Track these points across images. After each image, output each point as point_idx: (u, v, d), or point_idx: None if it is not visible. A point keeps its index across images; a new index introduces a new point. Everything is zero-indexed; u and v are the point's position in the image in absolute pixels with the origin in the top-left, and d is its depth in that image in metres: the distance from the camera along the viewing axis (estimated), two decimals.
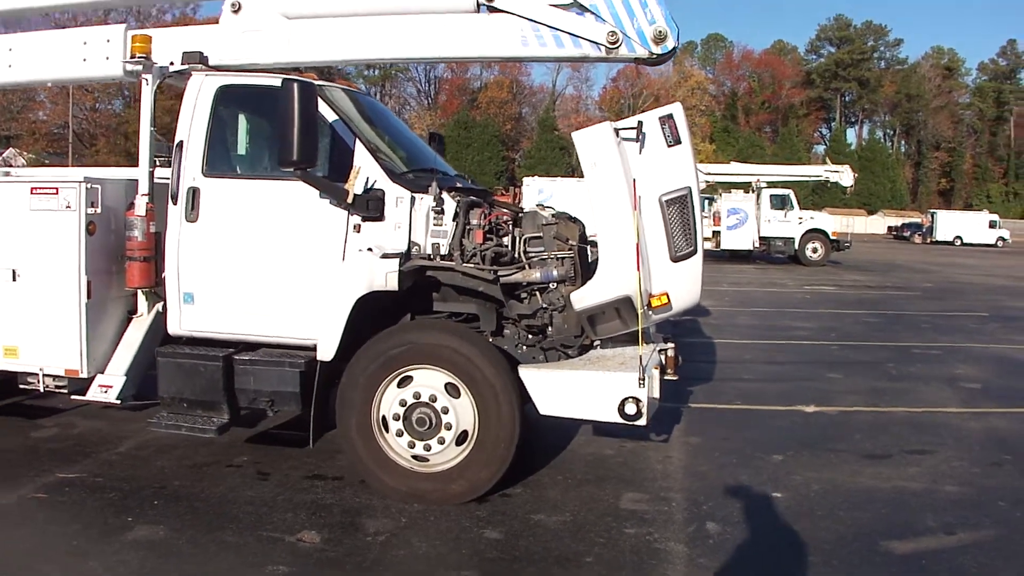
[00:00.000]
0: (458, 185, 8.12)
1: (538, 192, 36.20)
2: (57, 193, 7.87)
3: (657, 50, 7.57)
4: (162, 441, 8.74)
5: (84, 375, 7.98)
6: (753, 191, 40.27)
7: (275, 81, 7.49)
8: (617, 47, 7.56)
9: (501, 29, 7.82)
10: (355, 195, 7.14)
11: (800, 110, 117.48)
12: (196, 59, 8.10)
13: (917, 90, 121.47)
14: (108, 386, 7.92)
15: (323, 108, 7.41)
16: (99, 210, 7.92)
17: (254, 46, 8.28)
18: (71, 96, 66.53)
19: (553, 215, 7.78)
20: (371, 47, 8.25)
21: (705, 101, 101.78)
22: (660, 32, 7.51)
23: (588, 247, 7.88)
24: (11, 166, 61.37)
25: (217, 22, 8.53)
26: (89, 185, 7.85)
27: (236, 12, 8.33)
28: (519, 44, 7.78)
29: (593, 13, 7.57)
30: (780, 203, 39.49)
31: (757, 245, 39.20)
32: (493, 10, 7.81)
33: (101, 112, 74.63)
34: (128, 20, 46.41)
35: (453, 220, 7.37)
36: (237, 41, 8.32)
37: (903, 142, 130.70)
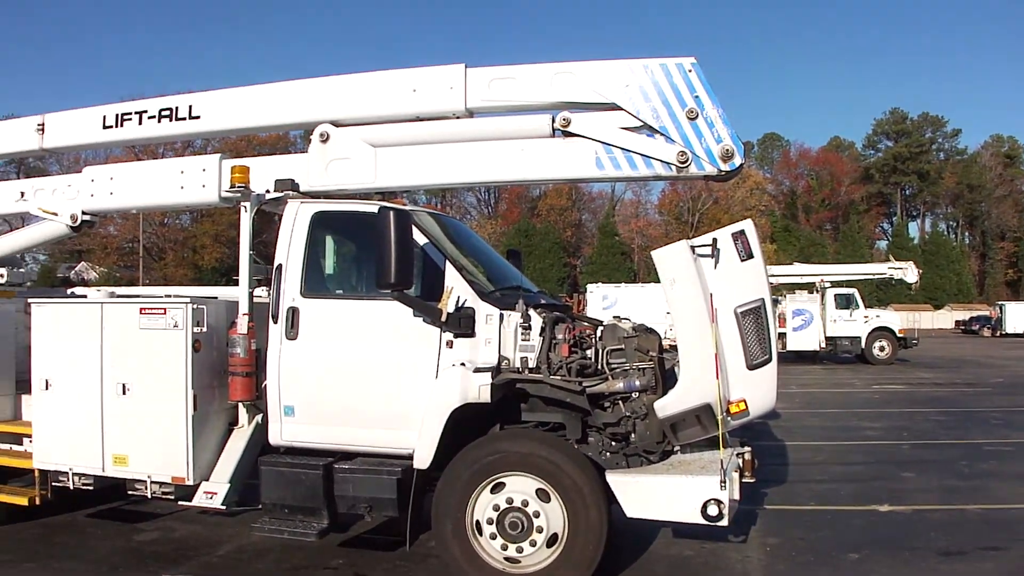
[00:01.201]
0: (542, 301, 8.60)
1: (602, 299, 36.51)
2: (165, 313, 8.46)
3: (725, 167, 7.93)
4: (258, 545, 9.21)
5: (190, 482, 8.46)
6: (817, 291, 39.92)
7: (367, 207, 8.12)
8: (687, 166, 7.94)
9: (576, 152, 8.27)
10: (448, 314, 7.68)
11: (860, 206, 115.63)
12: (288, 186, 8.72)
13: (978, 180, 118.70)
14: (213, 492, 8.40)
15: (415, 232, 7.93)
16: (204, 329, 8.51)
17: (342, 173, 8.84)
18: (140, 212, 68.33)
19: (632, 327, 8.21)
20: (452, 172, 8.73)
21: (764, 201, 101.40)
22: (727, 150, 7.89)
23: (666, 357, 8.27)
24: (84, 280, 62.96)
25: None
26: (195, 306, 8.45)
27: (324, 142, 8.91)
28: (594, 166, 8.21)
29: (663, 135, 7.99)
30: (845, 302, 39.15)
31: (823, 345, 38.69)
32: (568, 134, 8.27)
33: (169, 227, 76.60)
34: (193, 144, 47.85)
35: (540, 335, 7.86)
36: (326, 168, 8.89)
37: (967, 233, 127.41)
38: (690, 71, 7.92)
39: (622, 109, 8.09)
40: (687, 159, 7.90)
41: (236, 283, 9.03)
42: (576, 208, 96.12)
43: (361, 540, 9.47)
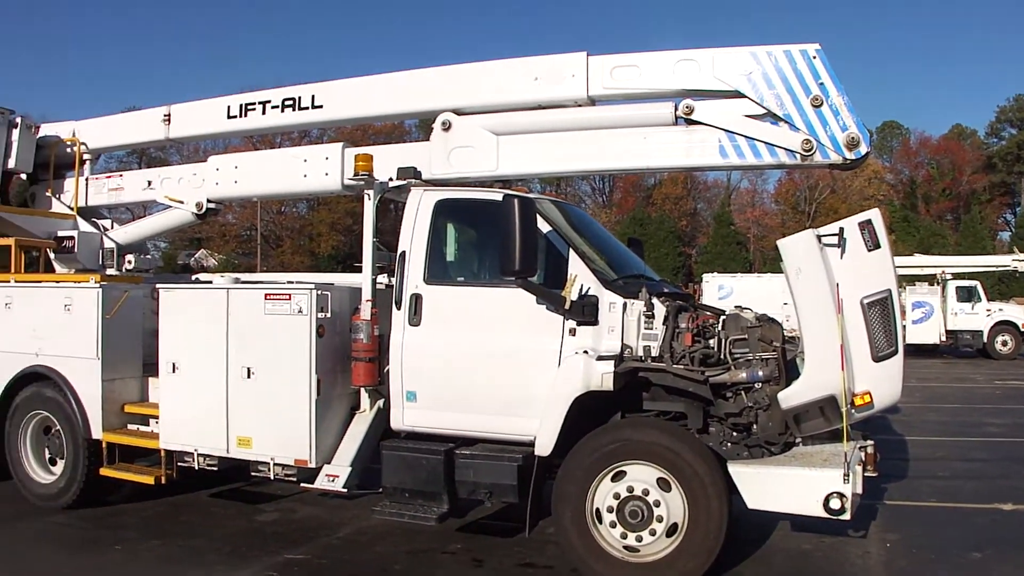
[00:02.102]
0: (665, 290, 8.61)
1: (718, 288, 36.25)
2: (290, 299, 8.68)
3: (851, 155, 7.88)
4: (377, 528, 9.38)
5: (312, 465, 8.67)
6: (938, 283, 38.87)
7: (491, 195, 8.23)
8: (811, 154, 7.90)
9: (700, 140, 8.30)
10: (572, 301, 7.72)
11: (982, 196, 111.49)
12: (411, 174, 8.89)
13: None
14: (335, 475, 8.58)
15: (539, 220, 7.99)
16: (328, 314, 8.70)
17: (464, 161, 9.00)
18: (263, 200, 69.88)
19: (755, 317, 8.18)
20: (573, 160, 8.83)
21: (883, 190, 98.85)
22: (853, 138, 7.83)
23: (788, 347, 8.22)
24: (203, 266, 64.61)
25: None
26: (319, 292, 8.64)
27: (446, 130, 9.07)
28: (717, 154, 8.22)
29: (787, 122, 7.97)
30: (967, 295, 37.94)
31: (944, 339, 37.72)
32: (691, 122, 8.30)
33: (286, 215, 77.89)
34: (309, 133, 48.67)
35: (663, 323, 7.87)
36: (448, 157, 9.05)
37: None
38: (814, 58, 7.89)
39: (745, 97, 8.10)
40: (812, 147, 7.87)
41: (353, 270, 9.21)
42: (691, 197, 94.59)
43: (479, 525, 9.60)
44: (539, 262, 7.85)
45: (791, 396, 7.54)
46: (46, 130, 12.28)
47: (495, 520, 9.65)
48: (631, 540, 7.60)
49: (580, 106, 8.78)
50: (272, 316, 8.77)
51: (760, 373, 7.72)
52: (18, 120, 11.92)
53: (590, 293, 7.91)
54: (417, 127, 61.21)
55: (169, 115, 11.04)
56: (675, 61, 8.38)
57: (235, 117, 10.43)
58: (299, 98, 9.97)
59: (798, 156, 7.95)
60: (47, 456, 10.71)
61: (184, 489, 10.64)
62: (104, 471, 10.01)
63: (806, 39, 8.04)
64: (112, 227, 12.00)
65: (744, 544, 8.80)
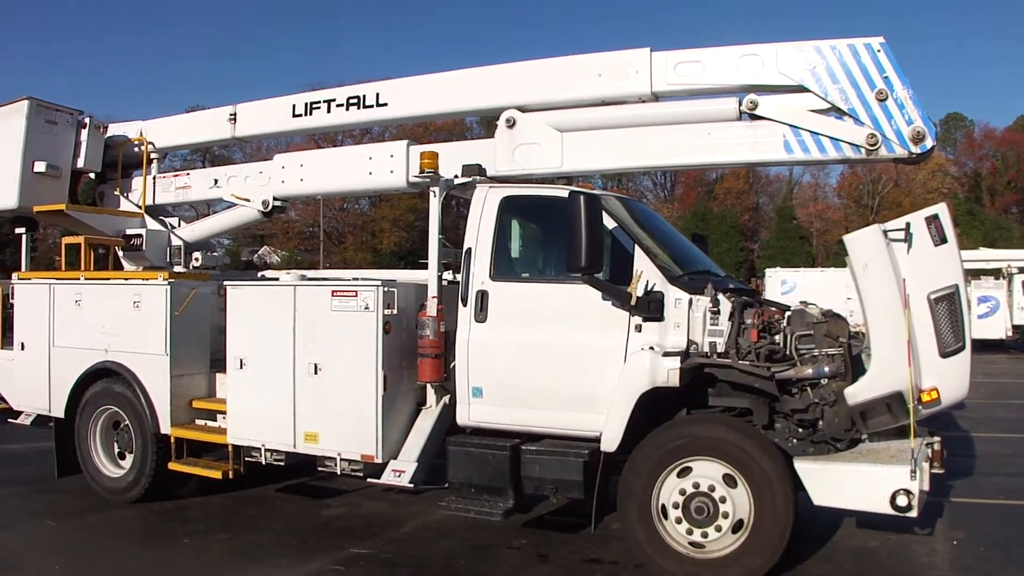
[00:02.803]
0: (730, 286, 8.64)
1: (781, 283, 36.04)
2: (356, 295, 8.81)
3: (916, 150, 7.83)
4: (442, 523, 9.53)
5: (379, 460, 8.80)
6: (1004, 277, 38.26)
7: (557, 192, 8.32)
8: (876, 149, 7.87)
9: (764, 136, 8.30)
10: (638, 297, 7.79)
11: None
12: (476, 171, 8.99)
13: None
14: (401, 471, 8.71)
15: (604, 216, 8.04)
16: (394, 311, 8.82)
17: (528, 157, 9.08)
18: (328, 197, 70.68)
19: (821, 313, 8.18)
20: (638, 156, 8.89)
21: (947, 183, 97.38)
22: (918, 132, 7.78)
23: (853, 343, 8.21)
24: (266, 263, 65.33)
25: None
26: (386, 288, 8.77)
27: (511, 127, 9.16)
28: (782, 150, 8.22)
29: (852, 117, 7.94)
30: None
31: (1010, 334, 37.06)
32: (755, 117, 8.31)
33: (348, 212, 78.57)
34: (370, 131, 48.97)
35: (728, 319, 7.92)
36: (512, 153, 9.13)
37: None
38: (879, 51, 7.86)
39: (809, 91, 8.08)
40: (877, 142, 7.84)
41: (415, 266, 9.32)
42: (753, 191, 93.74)
43: (542, 521, 9.70)
44: (605, 258, 7.92)
45: (858, 392, 7.54)
46: (114, 130, 12.54)
47: (558, 516, 9.75)
48: (696, 536, 7.66)
49: (643, 102, 8.82)
50: (339, 313, 8.91)
51: (826, 369, 7.74)
52: (87, 120, 12.18)
53: (656, 289, 7.97)
54: (478, 123, 61.22)
55: (235, 114, 11.24)
56: (738, 56, 8.39)
57: (300, 116, 10.60)
58: (363, 96, 10.10)
59: (863, 151, 7.93)
60: (116, 450, 11.01)
61: (248, 484, 10.81)
62: (172, 465, 10.24)
63: (866, 31, 8.02)
64: (179, 225, 12.20)
65: (809, 541, 8.80)
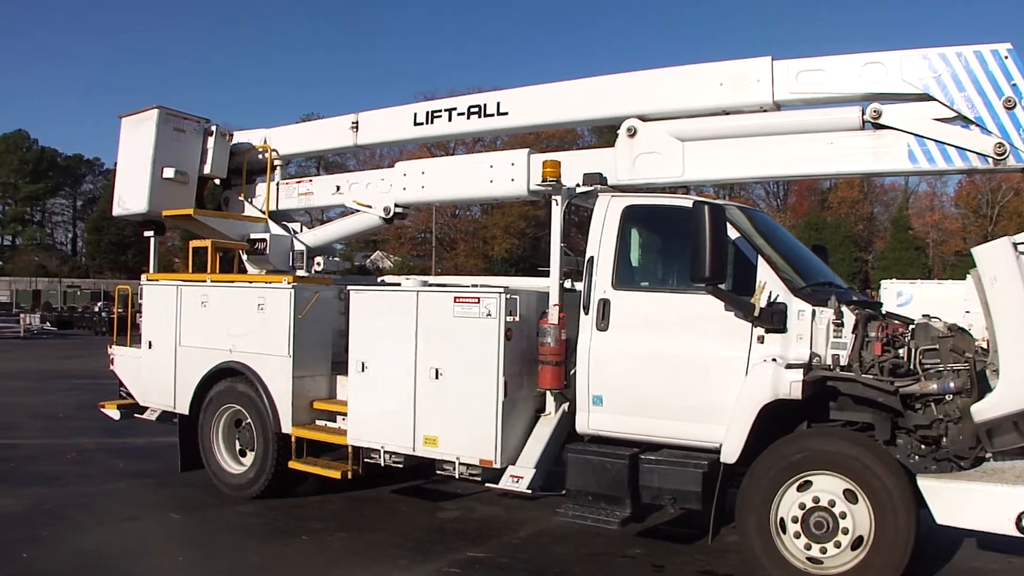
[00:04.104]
0: (853, 298, 8.61)
1: (896, 295, 35.45)
2: (479, 302, 8.97)
3: None
4: (556, 530, 9.65)
5: (497, 465, 8.92)
6: None
7: (679, 202, 8.45)
8: (1004, 158, 7.72)
9: (888, 145, 8.24)
10: (761, 309, 7.83)
11: None
12: (597, 180, 9.10)
13: None
14: (520, 476, 8.82)
15: (727, 227, 8.09)
16: (516, 318, 8.94)
17: (649, 167, 9.17)
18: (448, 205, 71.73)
19: (947, 327, 8.11)
20: (759, 165, 8.93)
21: None
22: None
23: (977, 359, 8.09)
24: (379, 268, 66.44)
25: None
26: (508, 296, 8.91)
27: (632, 136, 9.27)
28: (907, 160, 8.15)
29: (979, 125, 7.82)
30: None
31: None
32: (878, 126, 8.27)
33: (460, 218, 79.77)
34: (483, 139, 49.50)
35: (852, 332, 7.88)
36: (633, 163, 9.24)
37: None
38: (1006, 58, 7.73)
39: (934, 99, 7.99)
40: (1005, 151, 7.69)
41: (531, 273, 9.42)
42: (868, 201, 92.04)
43: (656, 531, 9.75)
44: (728, 269, 7.96)
45: (984, 409, 7.39)
46: (239, 137, 13.06)
47: (672, 527, 9.83)
48: (815, 551, 7.63)
49: (764, 111, 8.85)
50: (461, 319, 9.08)
51: (951, 385, 7.63)
52: (213, 128, 12.70)
53: (779, 300, 7.98)
54: (590, 131, 61.29)
55: (357, 122, 11.54)
56: (861, 64, 8.36)
57: (421, 124, 10.84)
58: (484, 105, 10.30)
59: (990, 160, 7.80)
60: (237, 448, 11.38)
61: (364, 484, 11.05)
62: (293, 464, 10.54)
63: (989, 38, 7.92)
64: (300, 230, 12.54)
65: (928, 560, 8.68)
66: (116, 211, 12.68)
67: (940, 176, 72.90)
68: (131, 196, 12.27)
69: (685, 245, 7.87)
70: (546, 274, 9.30)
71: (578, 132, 66.67)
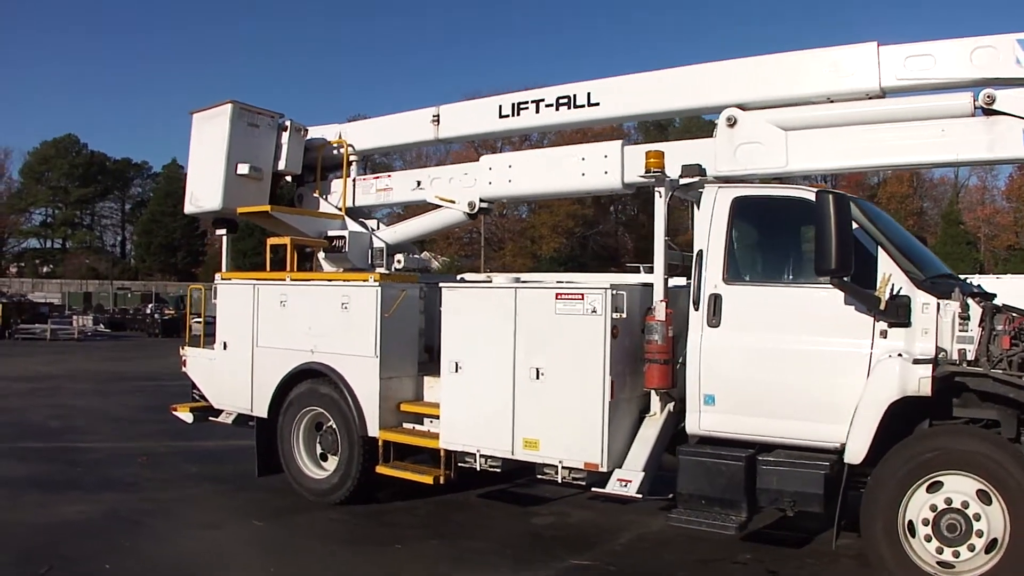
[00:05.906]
0: (975, 290, 8.40)
1: None
2: (583, 299, 8.77)
3: None
4: (658, 535, 9.53)
5: (603, 469, 8.71)
6: None
7: (792, 192, 8.24)
8: None
9: (1003, 132, 8.03)
10: (886, 302, 7.61)
11: None
12: (696, 171, 8.86)
13: None
14: (627, 480, 8.61)
15: None
16: (623, 315, 8.71)
17: (751, 157, 9.02)
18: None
19: None
20: (868, 154, 8.74)
21: None
22: None
23: None
24: (427, 268, 66.90)
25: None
26: (615, 292, 8.69)
27: (731, 126, 9.11)
28: (1022, 146, 8.00)
29: None
30: None
31: None
32: (990, 112, 8.07)
33: (508, 218, 79.96)
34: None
35: (979, 325, 7.67)
36: (734, 153, 9.08)
37: None
38: None
39: None
40: None
41: (625, 270, 9.24)
42: (918, 195, 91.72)
43: (759, 535, 9.48)
44: (852, 261, 7.72)
45: None
46: (314, 133, 12.94)
47: (774, 530, 9.60)
48: (947, 555, 7.39)
49: (870, 98, 8.65)
50: (563, 316, 8.87)
51: None
52: (287, 124, 12.60)
53: (902, 293, 7.77)
54: (636, 128, 61.13)
55: (438, 115, 11.43)
56: (971, 49, 8.17)
57: (507, 116, 10.70)
58: (574, 96, 10.13)
59: None
60: (318, 452, 11.25)
61: (450, 489, 10.85)
62: (381, 469, 10.40)
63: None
64: (378, 227, 12.42)
65: None
66: (188, 209, 12.61)
67: (988, 167, 72.59)
68: (204, 193, 12.19)
69: (800, 236, 7.74)
70: (638, 270, 9.12)
71: (624, 128, 66.74)
